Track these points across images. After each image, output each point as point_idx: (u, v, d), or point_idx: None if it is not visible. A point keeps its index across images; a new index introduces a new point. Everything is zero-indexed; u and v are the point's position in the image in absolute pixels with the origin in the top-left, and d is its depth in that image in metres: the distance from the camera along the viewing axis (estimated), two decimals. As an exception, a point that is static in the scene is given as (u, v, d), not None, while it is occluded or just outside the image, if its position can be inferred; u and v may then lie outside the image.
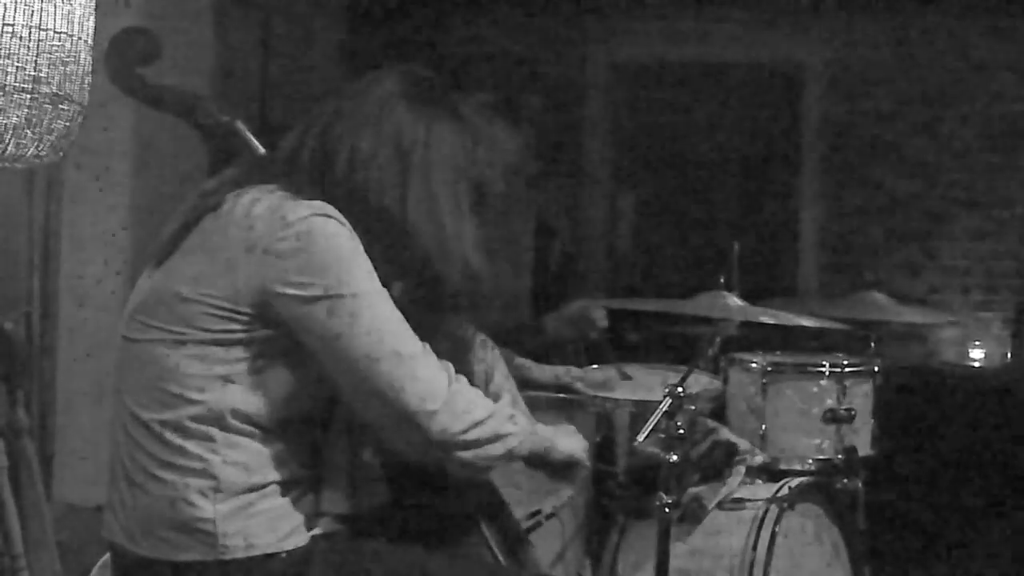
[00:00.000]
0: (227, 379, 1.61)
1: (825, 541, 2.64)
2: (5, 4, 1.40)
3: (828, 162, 6.06)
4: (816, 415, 2.92)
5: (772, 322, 2.59)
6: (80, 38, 1.50)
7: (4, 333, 2.14)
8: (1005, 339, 5.89)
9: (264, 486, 1.63)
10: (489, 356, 2.15)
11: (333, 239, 1.60)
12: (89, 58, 1.55)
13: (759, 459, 2.70)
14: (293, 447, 1.67)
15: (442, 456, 1.65)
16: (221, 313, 1.60)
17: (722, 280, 2.79)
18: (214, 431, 1.61)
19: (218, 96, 3.72)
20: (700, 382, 2.87)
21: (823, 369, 2.95)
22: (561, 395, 2.82)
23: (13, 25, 1.41)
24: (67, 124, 1.51)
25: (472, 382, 1.73)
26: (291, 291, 1.58)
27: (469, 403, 1.65)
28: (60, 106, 1.48)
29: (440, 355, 1.66)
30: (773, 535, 2.44)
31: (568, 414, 2.62)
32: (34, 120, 1.45)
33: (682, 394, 2.31)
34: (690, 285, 2.89)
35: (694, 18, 6.08)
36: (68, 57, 1.47)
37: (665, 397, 2.32)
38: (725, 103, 6.20)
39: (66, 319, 3.18)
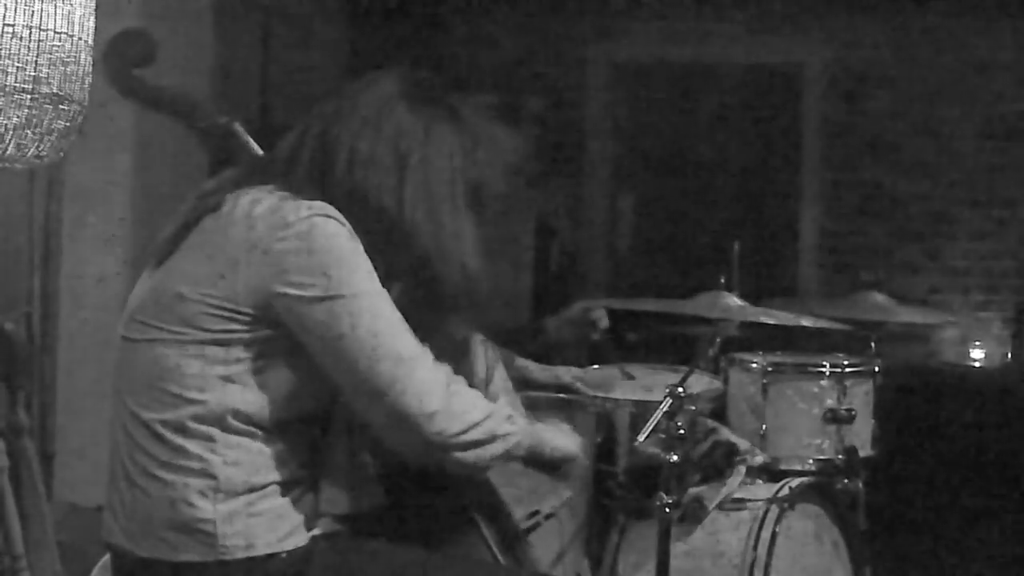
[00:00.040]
0: (227, 379, 1.61)
1: (825, 541, 2.64)
2: (5, 4, 1.40)
3: (828, 162, 6.06)
4: (816, 415, 2.92)
5: (772, 322, 2.59)
6: (80, 38, 1.50)
7: (4, 333, 2.14)
8: (1005, 339, 5.89)
9: (264, 486, 1.63)
10: (488, 357, 2.15)
11: (333, 239, 1.60)
12: (89, 58, 1.55)
13: (759, 459, 2.70)
14: (293, 447, 1.67)
15: (441, 457, 1.66)
16: (221, 313, 1.60)
17: (722, 280, 2.79)
18: (215, 431, 1.61)
19: (218, 96, 3.73)
20: (701, 382, 2.87)
21: (823, 369, 2.96)
22: (561, 395, 2.83)
23: (13, 25, 1.41)
24: (67, 124, 1.51)
25: (471, 383, 1.73)
26: (291, 291, 1.58)
27: (467, 404, 1.66)
28: (60, 106, 1.48)
29: (439, 356, 1.66)
30: (773, 535, 2.44)
31: (568, 414, 2.62)
32: (34, 120, 1.45)
33: (683, 394, 2.31)
34: (690, 285, 2.89)
35: (694, 18, 6.08)
36: (68, 57, 1.47)
37: (666, 397, 2.32)
38: (725, 103, 6.21)
39: (66, 319, 3.18)
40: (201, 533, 1.60)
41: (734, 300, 2.66)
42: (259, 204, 1.62)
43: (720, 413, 2.98)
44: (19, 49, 1.42)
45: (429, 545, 1.85)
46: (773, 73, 6.16)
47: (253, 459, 1.62)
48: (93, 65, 1.58)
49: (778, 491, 2.55)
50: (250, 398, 1.61)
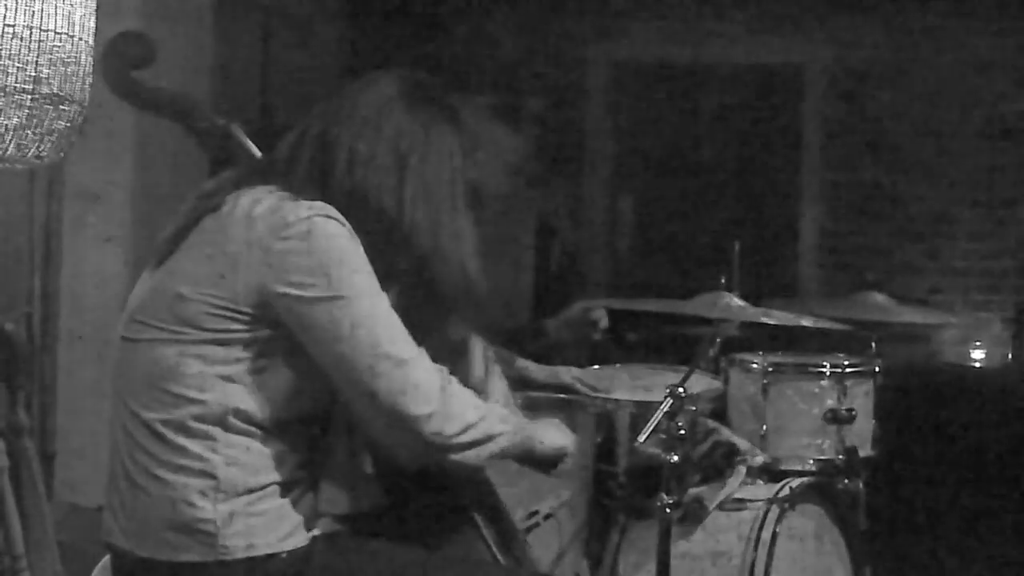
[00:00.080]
0: (227, 379, 1.61)
1: (826, 541, 2.64)
2: (6, 5, 1.40)
3: (828, 162, 6.06)
4: (817, 415, 2.91)
5: (772, 322, 2.59)
6: (81, 39, 1.50)
7: (4, 333, 2.13)
8: (1005, 339, 5.89)
9: (265, 487, 1.63)
10: (486, 357, 2.15)
11: (333, 240, 1.60)
12: (90, 59, 1.55)
13: (760, 459, 2.70)
14: (293, 447, 1.67)
15: (438, 457, 1.66)
16: (221, 313, 1.60)
17: (722, 280, 2.78)
18: (216, 431, 1.61)
19: (218, 96, 3.72)
20: (701, 382, 2.87)
21: (824, 369, 2.95)
22: (561, 395, 2.82)
23: (14, 26, 1.41)
24: (68, 124, 1.51)
25: (468, 383, 1.73)
26: (291, 291, 1.58)
27: (462, 406, 1.66)
28: (61, 107, 1.48)
29: (437, 356, 1.67)
30: (774, 536, 2.44)
31: (568, 414, 2.62)
32: (35, 121, 1.45)
33: (683, 394, 2.31)
34: (690, 285, 2.89)
35: (694, 18, 6.08)
36: (69, 58, 1.47)
37: (666, 397, 2.32)
38: (725, 103, 6.20)
39: (66, 319, 3.18)
40: (201, 533, 1.60)
41: (734, 300, 2.65)
42: (259, 204, 1.62)
43: (720, 413, 2.97)
44: (20, 49, 1.42)
45: (429, 545, 1.85)
46: (773, 73, 6.16)
47: (253, 459, 1.63)
48: (93, 65, 1.58)
49: (778, 491, 2.55)
50: (250, 398, 1.61)
